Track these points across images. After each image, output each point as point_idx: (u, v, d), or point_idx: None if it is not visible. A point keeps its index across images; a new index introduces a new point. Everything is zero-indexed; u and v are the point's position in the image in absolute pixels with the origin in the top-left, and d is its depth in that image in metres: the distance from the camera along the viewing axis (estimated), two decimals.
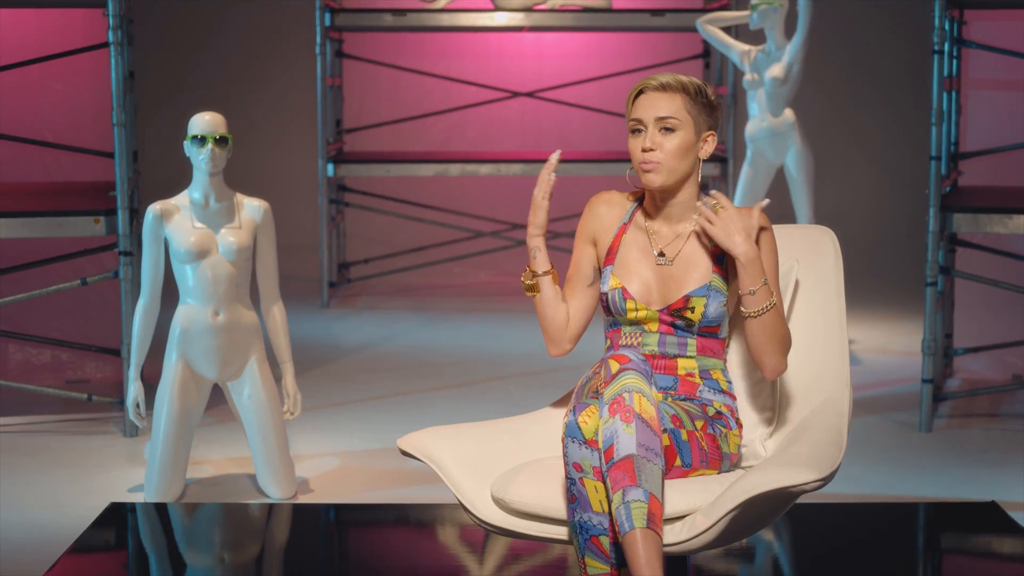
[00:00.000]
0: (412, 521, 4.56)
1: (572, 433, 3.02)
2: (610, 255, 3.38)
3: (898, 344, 7.57)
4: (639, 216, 3.40)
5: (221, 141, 4.75)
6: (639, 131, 3.30)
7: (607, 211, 3.43)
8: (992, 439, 5.74)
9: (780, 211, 8.01)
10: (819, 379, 3.40)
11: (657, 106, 3.28)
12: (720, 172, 8.81)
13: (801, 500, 3.24)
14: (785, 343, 3.26)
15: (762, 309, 3.21)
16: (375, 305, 8.93)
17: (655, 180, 3.29)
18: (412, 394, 6.53)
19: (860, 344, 7.57)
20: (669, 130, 3.28)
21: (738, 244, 3.22)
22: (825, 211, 9.35)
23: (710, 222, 3.24)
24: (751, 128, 7.42)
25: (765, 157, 7.42)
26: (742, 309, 3.24)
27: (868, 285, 9.27)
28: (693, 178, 3.35)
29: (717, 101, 3.35)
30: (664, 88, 3.29)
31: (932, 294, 5.88)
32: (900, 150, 10.38)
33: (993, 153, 6.58)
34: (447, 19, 9.01)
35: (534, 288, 3.38)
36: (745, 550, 4.20)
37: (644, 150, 3.27)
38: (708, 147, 3.34)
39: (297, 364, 6.90)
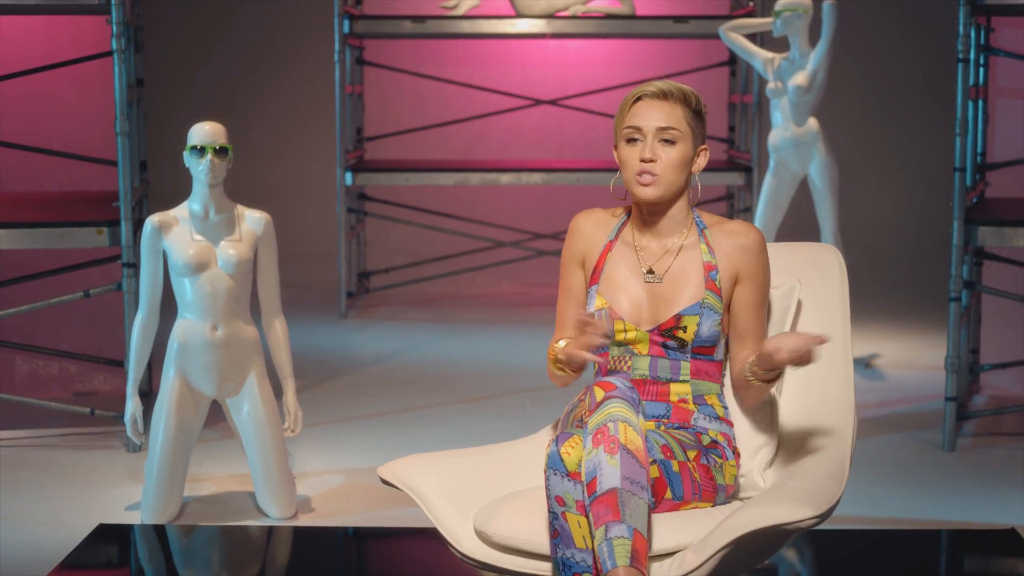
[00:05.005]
0: (416, 544, 4.45)
1: (554, 465, 2.87)
2: (595, 274, 3.23)
3: (924, 359, 7.40)
4: (626, 232, 3.25)
5: (221, 151, 4.64)
6: (636, 140, 3.16)
7: (593, 229, 3.28)
8: (1016, 459, 5.57)
9: (803, 223, 7.87)
10: (822, 405, 3.25)
11: (658, 115, 3.13)
12: (744, 181, 8.65)
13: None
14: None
15: (769, 381, 3.09)
16: (394, 316, 8.82)
17: (651, 193, 3.14)
18: (426, 409, 6.41)
19: (885, 359, 7.40)
20: (669, 142, 3.14)
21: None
22: (852, 222, 9.19)
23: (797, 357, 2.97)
24: (774, 138, 7.26)
25: (788, 167, 7.25)
26: (748, 376, 3.10)
27: (895, 298, 9.10)
28: (685, 194, 3.21)
29: (706, 112, 3.21)
30: (665, 96, 3.15)
31: (956, 309, 5.72)
32: (929, 160, 10.21)
33: (1021, 164, 6.41)
34: (468, 26, 8.88)
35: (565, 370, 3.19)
36: (764, 574, 4.08)
37: (644, 160, 3.13)
38: (701, 161, 3.20)
39: (311, 376, 6.84)
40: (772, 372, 3.06)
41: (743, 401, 3.21)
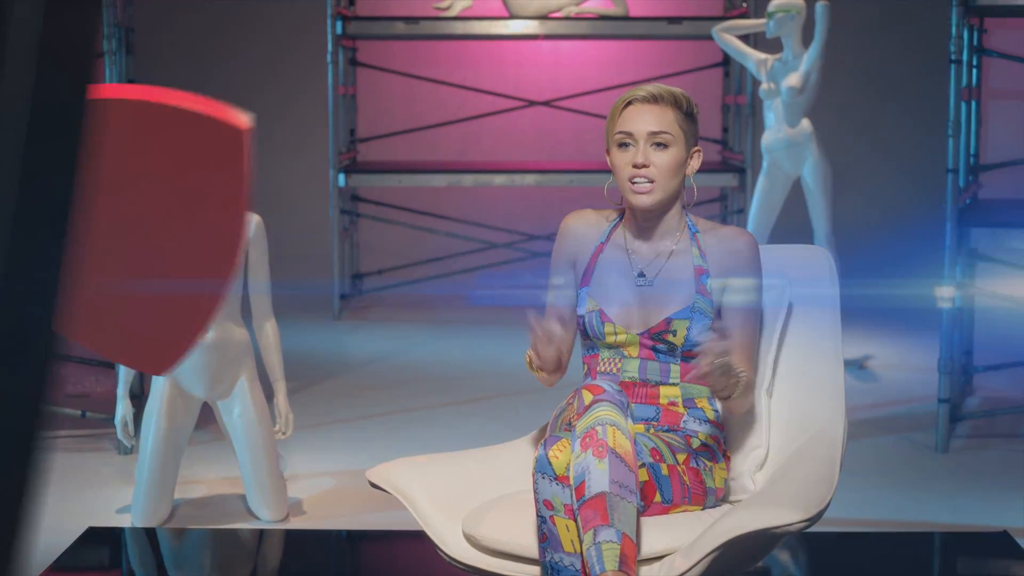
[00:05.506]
0: (407, 547, 4.43)
1: (542, 468, 2.85)
2: (586, 276, 3.20)
3: (918, 360, 7.38)
4: (617, 235, 3.23)
5: None
6: (627, 145, 3.11)
7: (584, 231, 3.25)
8: (1009, 460, 5.56)
9: (797, 224, 7.84)
10: (813, 408, 3.23)
11: (649, 119, 3.09)
12: (738, 183, 8.65)
13: (813, 527, 3.05)
14: (750, 392, 3.11)
15: (739, 393, 3.05)
16: (388, 317, 8.80)
17: (647, 201, 3.11)
18: (418, 411, 6.39)
19: (879, 360, 7.39)
20: (662, 146, 3.10)
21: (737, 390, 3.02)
22: (845, 223, 9.16)
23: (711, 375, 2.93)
24: (767, 139, 7.24)
25: (782, 168, 7.24)
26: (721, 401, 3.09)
27: (888, 299, 9.08)
28: (679, 197, 3.19)
29: (697, 113, 3.18)
30: (655, 100, 3.11)
31: (949, 311, 5.71)
32: (922, 161, 10.19)
33: (1015, 165, 6.40)
34: (460, 27, 8.86)
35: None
36: None
37: (636, 165, 3.10)
38: (695, 164, 3.17)
39: (303, 379, 6.81)
40: (724, 391, 3.01)
41: (728, 411, 3.18)
